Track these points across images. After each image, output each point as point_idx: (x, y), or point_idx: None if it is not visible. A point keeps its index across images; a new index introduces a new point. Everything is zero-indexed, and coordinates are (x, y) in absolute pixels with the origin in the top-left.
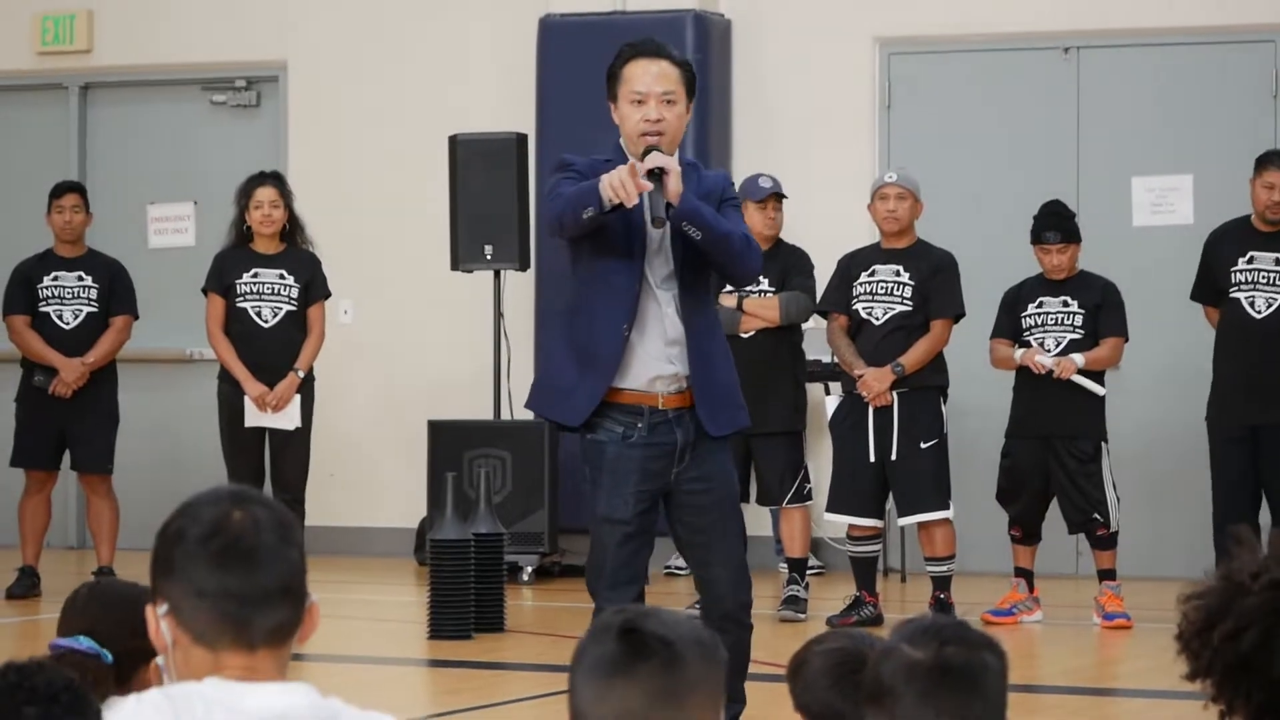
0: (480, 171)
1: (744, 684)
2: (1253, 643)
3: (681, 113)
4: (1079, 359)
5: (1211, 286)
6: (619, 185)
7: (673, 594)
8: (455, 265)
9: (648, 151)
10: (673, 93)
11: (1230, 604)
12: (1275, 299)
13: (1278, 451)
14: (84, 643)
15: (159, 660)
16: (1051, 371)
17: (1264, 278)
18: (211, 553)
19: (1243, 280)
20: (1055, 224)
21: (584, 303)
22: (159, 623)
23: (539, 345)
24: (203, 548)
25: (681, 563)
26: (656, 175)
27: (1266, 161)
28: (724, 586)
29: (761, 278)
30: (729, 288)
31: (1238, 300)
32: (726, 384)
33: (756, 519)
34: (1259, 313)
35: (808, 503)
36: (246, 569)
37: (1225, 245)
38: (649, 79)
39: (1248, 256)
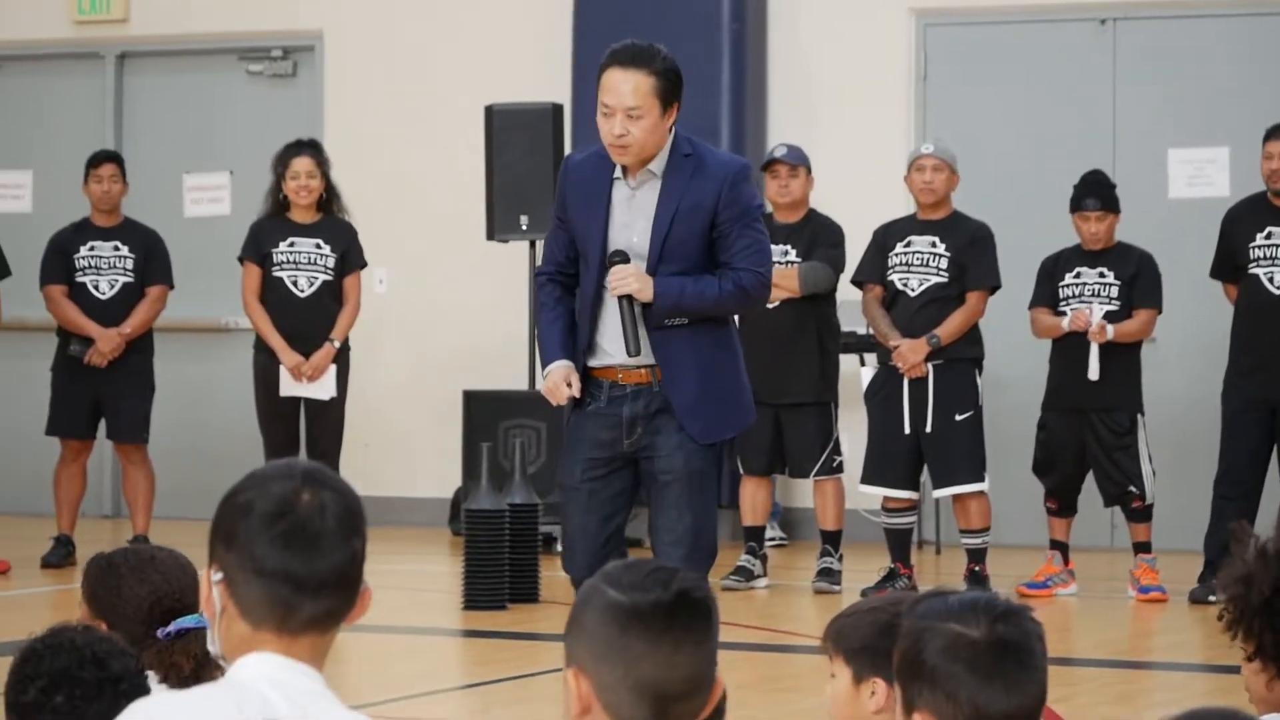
0: (516, 142)
1: None
2: None
3: (652, 125)
4: (1110, 330)
5: (1230, 263)
6: (548, 394)
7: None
8: (491, 235)
9: (614, 258)
10: (638, 109)
11: None
12: None
13: None
14: (194, 620)
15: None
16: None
17: None
18: (276, 533)
19: (1261, 256)
20: (1096, 191)
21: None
22: (211, 588)
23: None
24: (268, 526)
25: None
26: (627, 297)
27: (1272, 133)
28: (668, 560)
29: (789, 248)
30: None
31: (1256, 276)
32: (719, 393)
33: (793, 490)
34: (1278, 288)
35: (838, 475)
36: (307, 555)
37: (1243, 222)
38: (616, 93)
39: (1266, 232)
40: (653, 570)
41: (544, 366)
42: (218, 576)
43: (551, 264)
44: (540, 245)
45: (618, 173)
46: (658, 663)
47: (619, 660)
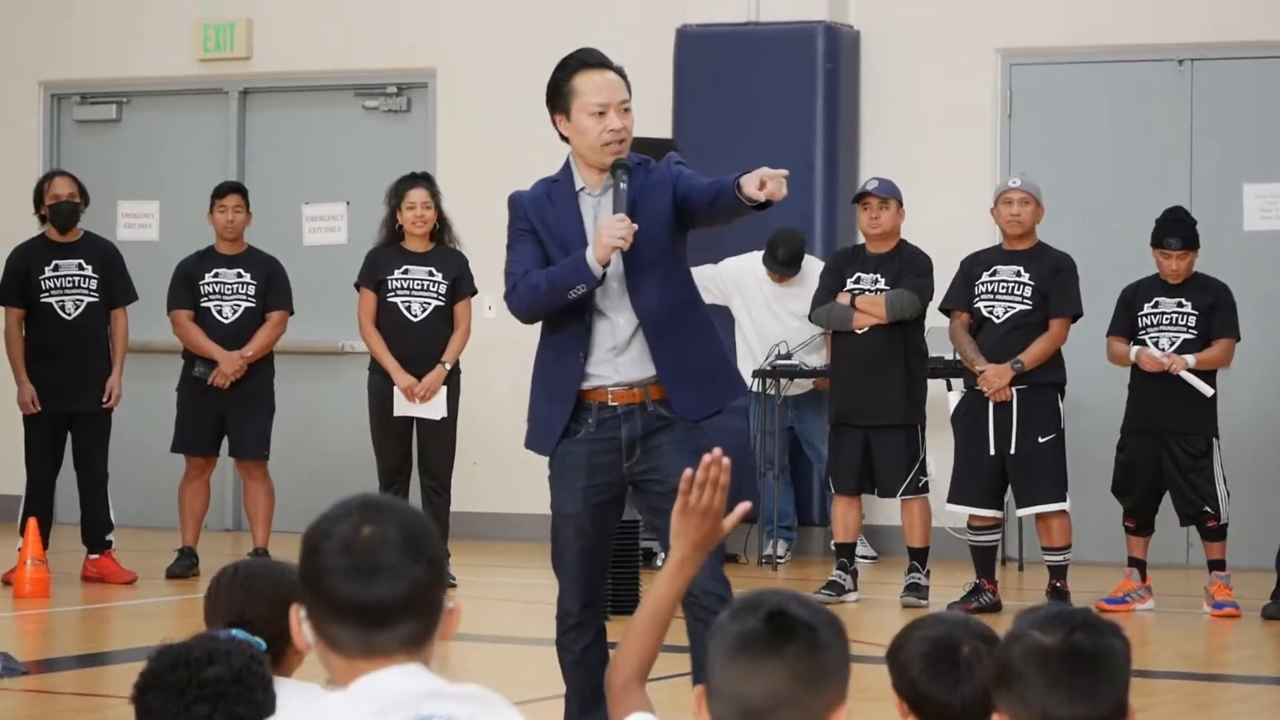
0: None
1: None
2: None
3: (632, 119)
4: (1191, 359)
5: None
6: (624, 235)
7: None
8: None
9: (616, 166)
10: (628, 101)
11: None
12: None
13: None
14: (236, 635)
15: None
16: (1165, 369)
17: None
18: (341, 570)
19: None
20: (1177, 230)
21: (545, 333)
22: (301, 623)
23: None
24: (334, 565)
25: None
26: (627, 168)
27: None
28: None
29: (879, 276)
30: (848, 287)
31: None
32: (703, 363)
33: (883, 508)
34: None
35: (925, 494)
36: (369, 585)
37: None
38: (608, 90)
39: None
40: (762, 603)
41: (578, 267)
42: (304, 613)
43: (522, 268)
44: None
45: (580, 184)
46: (734, 677)
47: (712, 672)
